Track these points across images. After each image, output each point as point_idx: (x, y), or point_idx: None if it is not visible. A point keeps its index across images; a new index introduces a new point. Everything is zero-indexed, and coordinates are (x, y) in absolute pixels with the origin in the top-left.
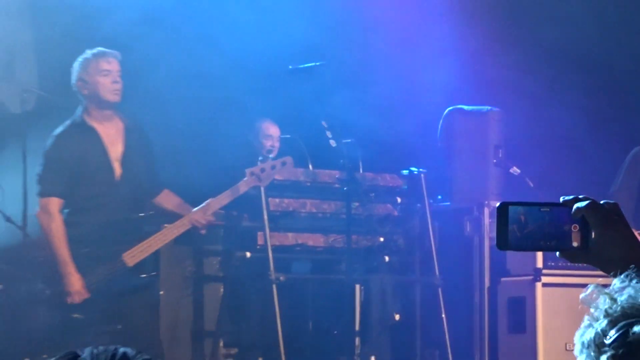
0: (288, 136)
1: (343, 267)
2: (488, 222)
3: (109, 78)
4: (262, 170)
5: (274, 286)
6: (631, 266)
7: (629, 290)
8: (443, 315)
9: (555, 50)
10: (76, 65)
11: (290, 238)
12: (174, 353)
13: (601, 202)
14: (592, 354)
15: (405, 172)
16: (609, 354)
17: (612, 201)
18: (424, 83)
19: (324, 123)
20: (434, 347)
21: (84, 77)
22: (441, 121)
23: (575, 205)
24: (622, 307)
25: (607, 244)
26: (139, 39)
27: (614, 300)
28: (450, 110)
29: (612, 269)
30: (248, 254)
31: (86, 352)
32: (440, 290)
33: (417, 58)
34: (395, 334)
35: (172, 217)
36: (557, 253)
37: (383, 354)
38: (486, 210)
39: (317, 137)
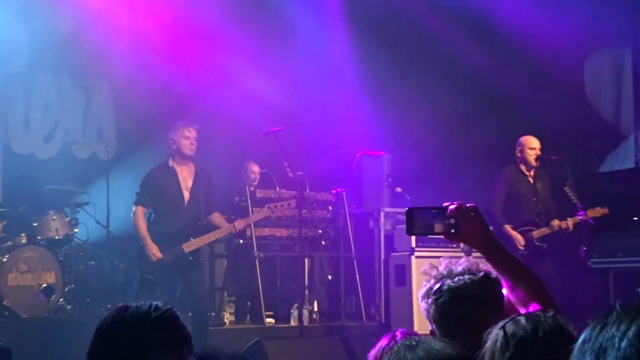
0: (265, 171)
1: (297, 248)
2: (383, 220)
3: (188, 141)
4: (275, 206)
5: (257, 260)
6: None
7: (448, 264)
8: (357, 276)
9: (426, 104)
10: (172, 129)
11: (266, 231)
12: None
13: (466, 204)
14: (425, 300)
15: (334, 191)
16: (432, 298)
17: (472, 204)
18: (346, 136)
19: (285, 162)
20: (352, 294)
21: (173, 138)
22: (355, 161)
23: (450, 207)
24: (441, 272)
25: (469, 230)
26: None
27: (438, 269)
28: (360, 155)
29: (475, 244)
30: (241, 241)
31: (133, 305)
32: (355, 261)
33: (341, 119)
34: (328, 288)
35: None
36: (443, 236)
37: (321, 299)
38: (382, 214)
39: (282, 171)
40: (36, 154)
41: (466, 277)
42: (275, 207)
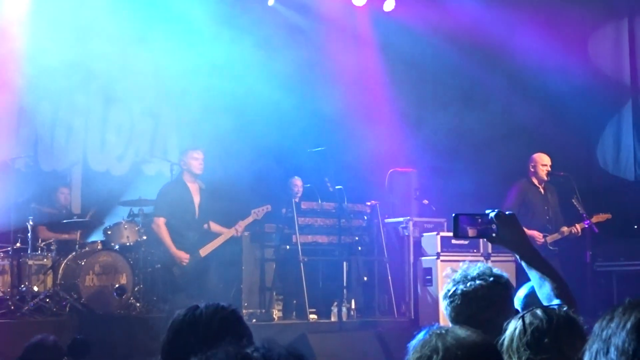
0: (308, 185)
1: (337, 253)
2: (412, 228)
3: (197, 162)
4: (258, 212)
5: (301, 263)
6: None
7: (465, 269)
8: (389, 277)
9: (450, 128)
10: (182, 153)
11: (309, 238)
12: (251, 298)
13: (506, 212)
14: (444, 301)
15: (368, 203)
16: (449, 300)
17: (510, 212)
18: (379, 155)
19: (326, 178)
20: (384, 293)
21: (184, 159)
22: (387, 176)
23: (491, 214)
24: (459, 275)
25: (507, 235)
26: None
27: (457, 273)
28: (391, 171)
29: (512, 247)
30: (288, 247)
31: (202, 305)
32: (387, 264)
33: (374, 140)
34: (364, 287)
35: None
36: (485, 239)
37: (358, 298)
38: (410, 222)
39: (323, 186)
40: (110, 170)
41: (477, 282)
42: (259, 211)
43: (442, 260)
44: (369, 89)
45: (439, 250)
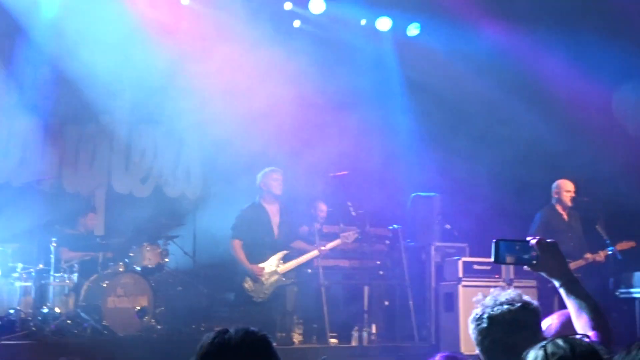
0: (331, 209)
1: (358, 277)
2: (433, 253)
3: (277, 182)
4: (348, 236)
5: (322, 287)
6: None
7: (496, 295)
8: (410, 302)
9: (472, 154)
10: (261, 173)
11: (331, 262)
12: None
13: (547, 240)
14: (472, 324)
15: (391, 227)
16: (475, 323)
17: (552, 239)
18: (401, 179)
19: (349, 203)
20: (405, 319)
21: (264, 181)
22: (409, 201)
23: (532, 241)
24: (489, 301)
25: (548, 262)
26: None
27: (487, 298)
28: (414, 196)
29: (552, 275)
30: (309, 270)
31: (232, 329)
32: (408, 289)
33: (397, 165)
34: (385, 312)
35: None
36: (525, 267)
37: (379, 323)
38: (432, 247)
39: (345, 210)
40: (134, 193)
41: (505, 307)
42: (348, 235)
43: (463, 286)
44: (392, 113)
45: (461, 275)
